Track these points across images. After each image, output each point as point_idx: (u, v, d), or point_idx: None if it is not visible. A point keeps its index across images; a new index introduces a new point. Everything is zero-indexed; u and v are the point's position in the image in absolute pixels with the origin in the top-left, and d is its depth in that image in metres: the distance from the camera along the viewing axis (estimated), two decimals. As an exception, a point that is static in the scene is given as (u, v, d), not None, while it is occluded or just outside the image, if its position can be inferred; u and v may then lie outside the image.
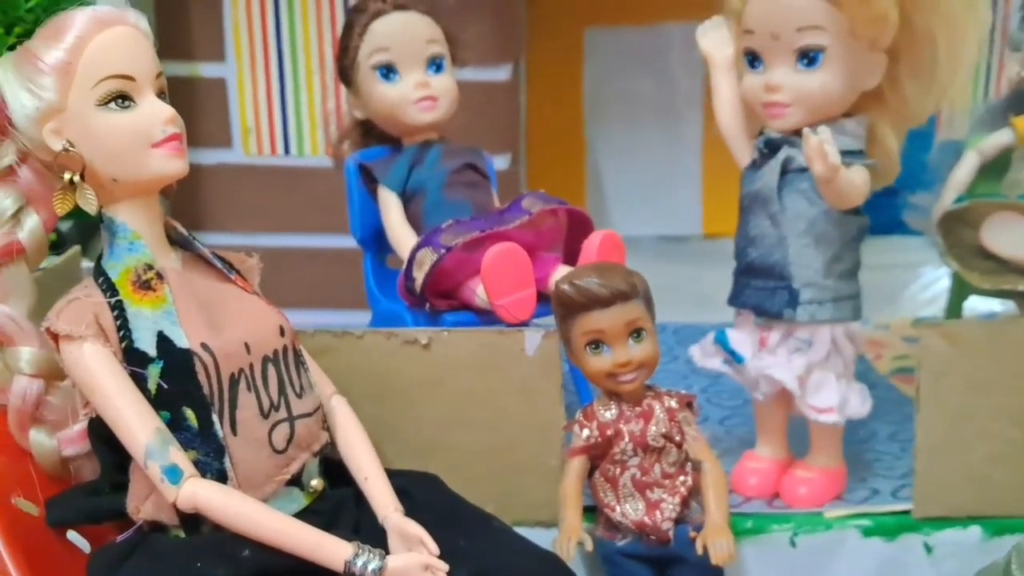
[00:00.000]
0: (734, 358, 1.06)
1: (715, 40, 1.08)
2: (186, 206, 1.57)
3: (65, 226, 1.40)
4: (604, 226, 1.93)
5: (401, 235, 1.14)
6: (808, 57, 0.97)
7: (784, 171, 1.01)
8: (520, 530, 1.01)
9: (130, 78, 0.83)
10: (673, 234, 1.94)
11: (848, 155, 0.98)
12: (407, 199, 1.16)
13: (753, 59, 1.00)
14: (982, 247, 1.15)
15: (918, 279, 1.70)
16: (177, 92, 1.51)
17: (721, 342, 1.07)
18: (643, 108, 1.93)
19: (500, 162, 1.54)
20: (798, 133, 0.99)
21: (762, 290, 1.03)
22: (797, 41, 0.96)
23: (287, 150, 1.55)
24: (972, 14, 1.00)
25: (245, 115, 1.54)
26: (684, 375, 1.38)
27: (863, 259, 1.74)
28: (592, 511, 1.01)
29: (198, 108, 1.55)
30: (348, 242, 1.25)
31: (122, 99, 0.83)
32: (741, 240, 1.05)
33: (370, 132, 1.22)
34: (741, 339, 1.06)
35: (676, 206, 1.94)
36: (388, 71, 1.15)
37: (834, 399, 1.03)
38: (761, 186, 1.02)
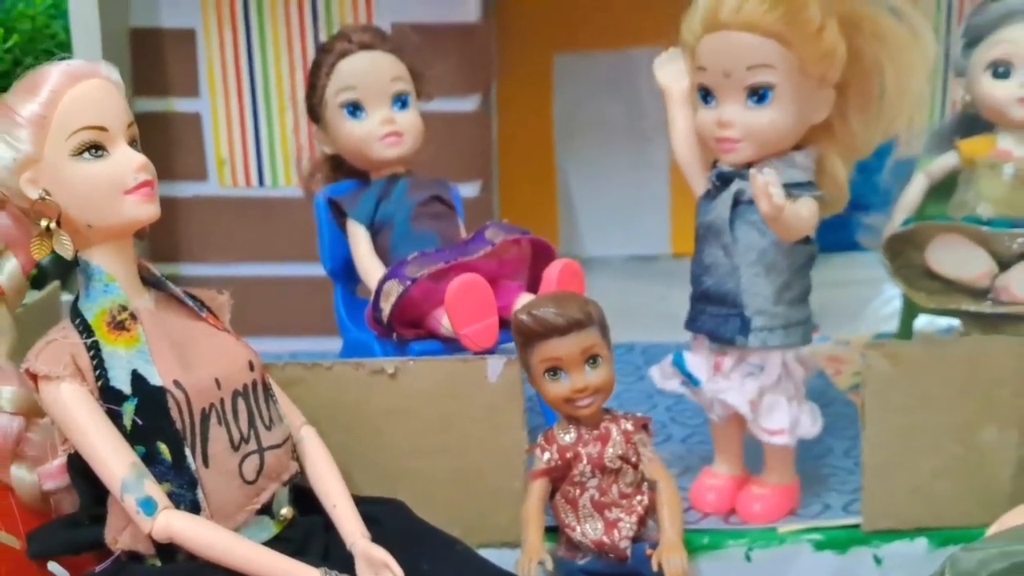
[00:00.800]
0: (690, 381, 1.10)
1: (671, 72, 1.12)
2: (164, 238, 1.61)
3: (45, 261, 1.43)
4: (576, 247, 2.01)
5: (369, 267, 1.18)
6: (758, 94, 1.00)
7: (735, 203, 1.05)
8: (486, 551, 1.05)
9: (103, 129, 0.87)
10: (643, 254, 1.99)
11: (797, 187, 1.02)
12: (375, 231, 1.20)
13: (706, 94, 1.04)
14: (928, 268, 1.19)
15: (880, 295, 1.75)
16: (153, 127, 1.58)
17: (678, 365, 1.11)
18: (612, 132, 1.97)
19: (470, 190, 1.58)
20: (750, 166, 1.03)
21: (716, 316, 1.07)
22: (747, 79, 1.00)
23: (261, 181, 1.59)
24: (918, 46, 1.04)
25: (220, 148, 1.58)
26: (650, 394, 1.42)
27: (826, 276, 1.78)
28: (555, 531, 1.05)
29: (174, 142, 1.59)
30: (322, 270, 1.29)
31: (95, 149, 0.87)
32: (697, 268, 1.09)
33: (339, 166, 1.27)
34: (697, 362, 1.10)
35: (645, 227, 1.99)
36: (355, 109, 1.19)
37: (785, 421, 1.07)
38: (714, 217, 1.06)
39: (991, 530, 0.99)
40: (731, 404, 1.07)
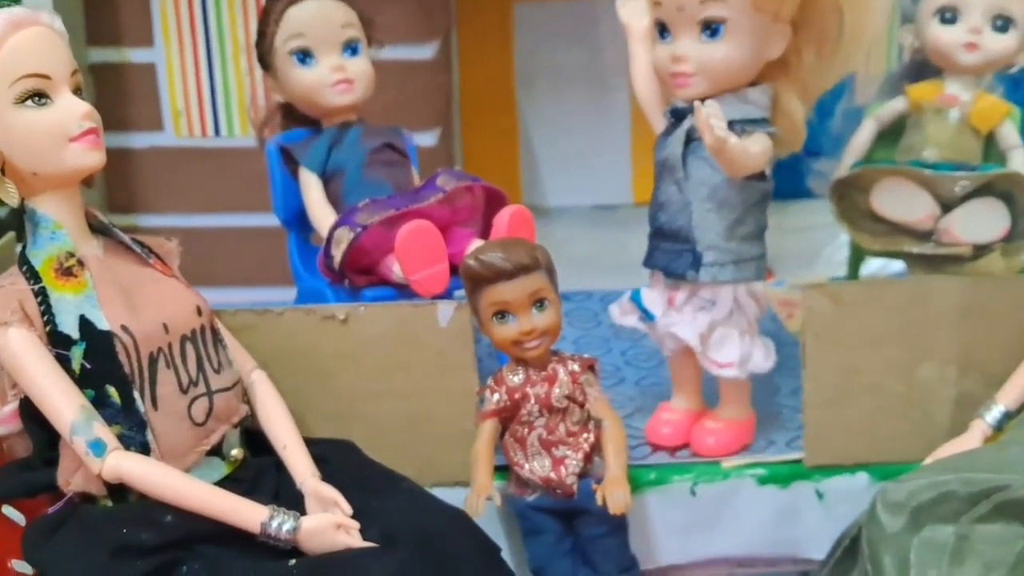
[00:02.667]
0: (646, 316, 1.12)
1: (634, 10, 1.11)
2: (121, 189, 1.61)
3: (2, 212, 1.43)
4: (538, 197, 2.02)
5: (321, 215, 1.19)
6: (711, 28, 1.00)
7: (689, 139, 1.06)
8: (440, 491, 1.07)
9: (46, 76, 0.87)
10: (605, 203, 2.00)
11: (751, 123, 1.02)
12: (327, 179, 1.21)
13: (662, 30, 1.04)
14: (873, 211, 1.21)
15: (834, 240, 1.77)
16: (108, 78, 1.57)
17: (635, 300, 1.13)
18: (573, 80, 1.97)
19: (429, 138, 1.58)
20: (703, 102, 1.02)
21: (670, 252, 1.08)
22: (700, 13, 1.00)
23: (218, 131, 1.58)
24: None
25: (175, 98, 1.57)
26: (607, 339, 1.44)
27: (782, 222, 1.80)
28: (506, 470, 1.07)
29: (129, 93, 1.58)
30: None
31: (38, 97, 0.87)
32: (653, 205, 1.10)
33: (292, 115, 1.26)
34: (653, 298, 1.12)
35: (607, 176, 2.00)
36: (304, 56, 1.19)
37: (735, 355, 1.08)
38: (668, 154, 1.07)
39: (926, 463, 1.03)
40: (680, 337, 1.09)
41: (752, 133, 1.03)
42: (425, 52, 1.54)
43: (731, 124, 1.01)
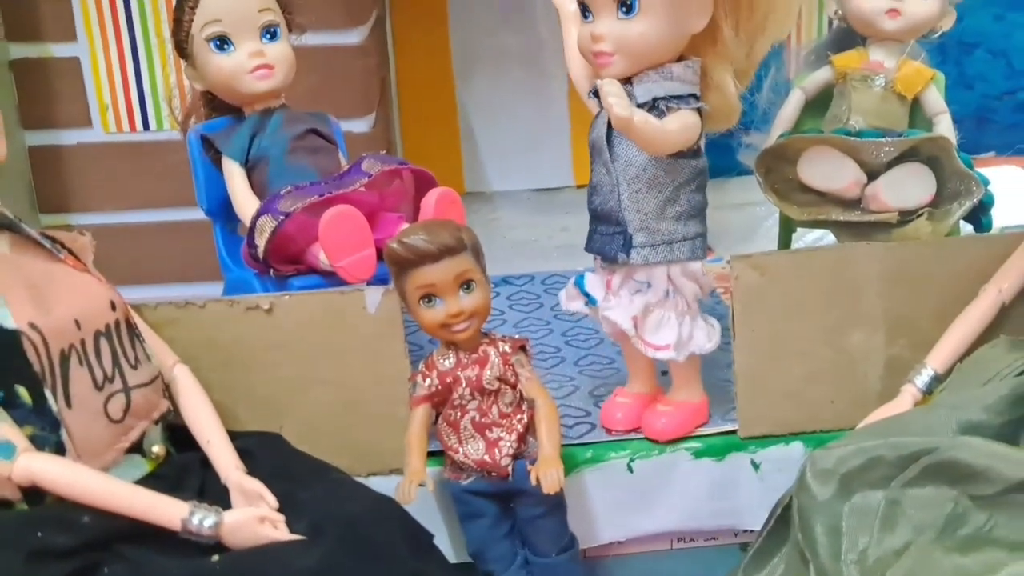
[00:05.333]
0: (589, 300, 1.11)
1: None
2: (51, 188, 1.57)
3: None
4: (480, 182, 2.01)
5: (245, 204, 1.16)
6: (626, 5, 0.99)
7: None
8: (376, 479, 1.07)
9: None
10: (546, 186, 1.99)
11: (676, 99, 1.01)
12: (251, 167, 1.19)
13: (584, 9, 1.03)
14: (801, 181, 1.22)
15: (773, 214, 1.78)
16: (32, 74, 1.53)
17: (579, 285, 1.12)
18: (511, 64, 1.96)
19: (362, 124, 1.57)
20: (629, 81, 1.01)
21: (604, 235, 1.07)
22: None
23: (147, 125, 1.55)
24: None
25: (101, 93, 1.54)
26: (547, 321, 1.44)
27: (722, 199, 1.80)
28: (442, 455, 1.06)
29: (54, 89, 1.54)
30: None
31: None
32: (589, 188, 1.09)
33: (214, 103, 1.24)
34: (595, 282, 1.11)
35: (548, 159, 1.99)
36: (222, 42, 1.17)
37: (671, 337, 1.07)
38: (595, 136, 1.06)
39: (859, 428, 1.03)
40: (613, 320, 1.08)
41: (677, 109, 1.01)
42: (352, 37, 1.52)
43: (655, 101, 1.00)
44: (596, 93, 1.06)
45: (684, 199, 1.06)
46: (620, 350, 1.19)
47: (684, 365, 1.11)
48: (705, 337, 1.10)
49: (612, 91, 0.94)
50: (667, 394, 1.14)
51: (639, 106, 0.99)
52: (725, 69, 1.05)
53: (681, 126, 1.01)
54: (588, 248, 1.10)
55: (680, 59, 1.03)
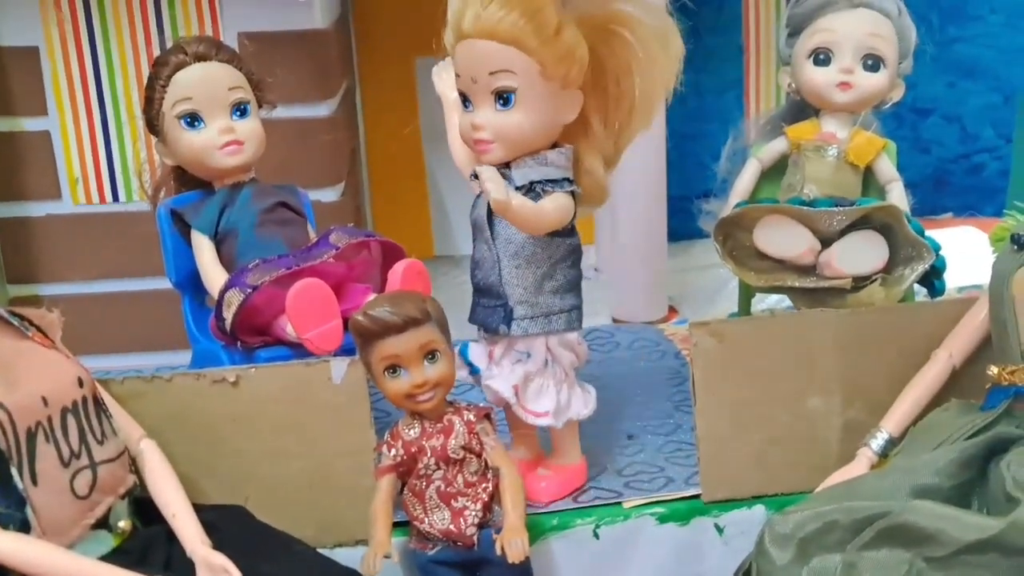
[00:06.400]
0: (471, 370, 1.14)
1: (446, 81, 1.15)
2: (20, 259, 1.58)
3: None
4: (450, 246, 2.03)
5: (213, 277, 1.18)
6: (503, 98, 1.04)
7: None
8: (342, 550, 1.07)
9: None
10: (515, 250, 2.02)
11: (551, 183, 1.06)
12: (220, 241, 1.21)
13: (465, 100, 1.08)
14: (757, 248, 1.25)
15: (736, 277, 1.81)
16: (2, 147, 1.54)
17: (463, 355, 1.14)
18: (477, 131, 2.00)
19: (331, 194, 1.59)
20: (507, 166, 1.07)
21: (486, 308, 1.11)
22: (492, 84, 1.03)
23: (116, 197, 1.57)
24: (662, 47, 1.07)
25: (71, 166, 1.56)
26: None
27: (686, 262, 1.84)
28: (407, 525, 1.07)
29: (24, 162, 1.56)
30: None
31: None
32: (471, 263, 1.14)
33: (184, 178, 1.27)
34: (479, 352, 1.14)
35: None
36: (192, 119, 1.19)
37: (550, 404, 1.11)
38: (476, 215, 1.11)
39: (816, 492, 1.05)
40: (495, 389, 1.11)
41: (552, 192, 1.06)
42: (322, 110, 1.56)
43: (532, 185, 1.06)
44: (476, 176, 1.09)
45: (560, 274, 1.11)
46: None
47: (563, 431, 1.15)
48: (582, 404, 1.14)
49: (488, 176, 0.99)
50: (548, 459, 1.18)
51: (517, 189, 1.05)
52: (595, 156, 1.11)
53: (555, 207, 1.07)
54: (472, 320, 1.14)
55: (554, 146, 1.09)
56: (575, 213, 1.10)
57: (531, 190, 1.06)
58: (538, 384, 1.11)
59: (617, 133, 1.11)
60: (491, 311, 1.10)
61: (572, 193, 1.08)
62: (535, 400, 1.11)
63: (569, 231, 1.11)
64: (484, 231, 1.10)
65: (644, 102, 1.09)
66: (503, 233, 1.09)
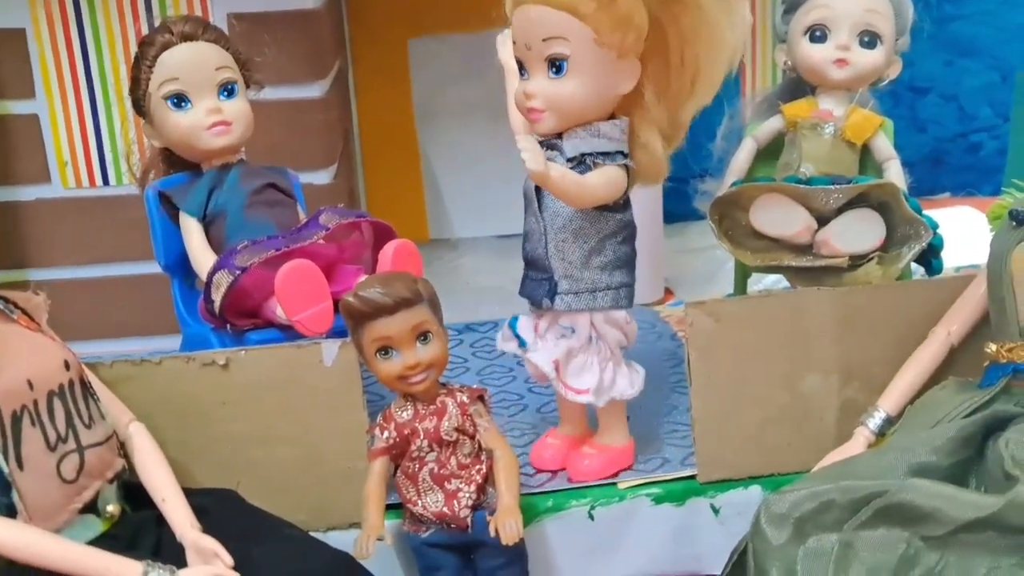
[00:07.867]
0: (520, 343, 1.12)
1: (510, 49, 1.13)
2: (10, 244, 1.57)
3: None
4: (445, 229, 2.02)
5: (202, 259, 1.17)
6: (556, 66, 1.02)
7: None
8: (335, 534, 1.06)
9: None
10: (510, 233, 2.00)
11: (602, 156, 1.04)
12: (208, 223, 1.19)
13: (521, 68, 1.06)
14: (753, 228, 1.24)
15: (732, 258, 1.80)
16: (-10, 131, 1.52)
17: (512, 327, 1.14)
18: (473, 113, 1.98)
19: (323, 176, 1.58)
20: (560, 136, 1.05)
21: (534, 281, 1.10)
22: (545, 51, 1.02)
23: (106, 181, 1.56)
24: (729, 18, 1.04)
25: (60, 149, 1.54)
26: (511, 368, 1.44)
27: (684, 243, 1.82)
28: (401, 508, 1.06)
29: (13, 146, 1.54)
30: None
31: None
32: (523, 236, 1.12)
33: (172, 160, 1.25)
34: (526, 325, 1.13)
35: (510, 205, 2.00)
36: (179, 100, 1.18)
37: (591, 382, 1.09)
38: (525, 187, 1.09)
39: (813, 472, 1.05)
40: (536, 363, 1.09)
41: (603, 165, 1.04)
42: (314, 91, 1.54)
43: (583, 156, 1.03)
44: None
45: (609, 250, 1.09)
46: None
47: (609, 410, 1.13)
48: (627, 383, 1.12)
49: (525, 146, 0.97)
50: (594, 438, 1.16)
51: (568, 160, 1.03)
52: (652, 129, 1.08)
53: (604, 181, 1.05)
54: (521, 292, 1.13)
55: (610, 117, 1.07)
56: (629, 188, 1.07)
57: (582, 162, 1.04)
58: (581, 360, 1.09)
59: (676, 107, 1.07)
60: (537, 284, 1.08)
61: (626, 167, 1.05)
62: (576, 377, 1.09)
63: (621, 206, 1.08)
64: (532, 203, 1.08)
65: (707, 74, 1.05)
66: (551, 206, 1.06)
